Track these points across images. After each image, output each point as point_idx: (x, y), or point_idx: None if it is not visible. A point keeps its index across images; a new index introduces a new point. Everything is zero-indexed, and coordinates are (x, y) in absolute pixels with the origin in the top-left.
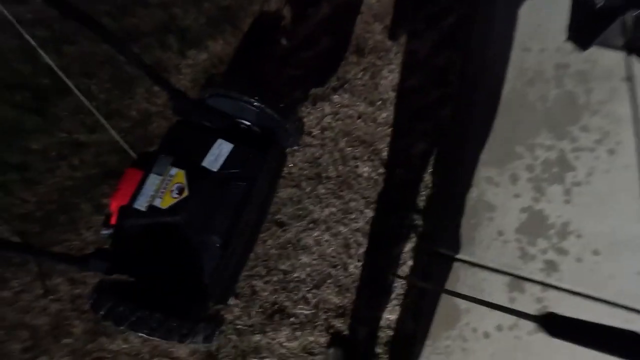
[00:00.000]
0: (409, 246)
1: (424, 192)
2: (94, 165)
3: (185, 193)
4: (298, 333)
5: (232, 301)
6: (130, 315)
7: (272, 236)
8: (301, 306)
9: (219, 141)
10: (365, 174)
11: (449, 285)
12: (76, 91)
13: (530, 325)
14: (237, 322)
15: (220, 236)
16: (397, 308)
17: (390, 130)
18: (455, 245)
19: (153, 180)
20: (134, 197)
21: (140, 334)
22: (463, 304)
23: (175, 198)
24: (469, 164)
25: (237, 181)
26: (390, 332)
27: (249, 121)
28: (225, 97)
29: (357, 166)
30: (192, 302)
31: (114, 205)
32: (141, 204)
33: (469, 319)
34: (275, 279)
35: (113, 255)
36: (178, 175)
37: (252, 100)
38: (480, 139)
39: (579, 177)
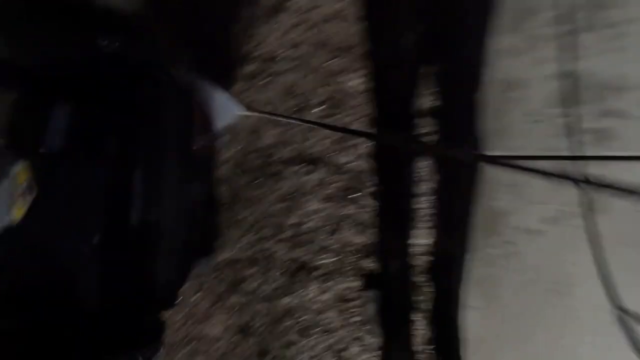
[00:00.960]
0: (424, 159)
1: (429, 90)
2: None
3: (34, 192)
4: (328, 284)
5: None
6: None
7: (268, 191)
8: (323, 256)
9: (55, 110)
10: (355, 88)
11: (479, 192)
12: None
13: (575, 212)
14: (261, 289)
15: (87, 240)
16: (426, 231)
17: (367, 24)
18: (479, 142)
19: (3, 188)
20: None
21: None
22: (500, 205)
23: (26, 202)
24: (475, 38)
25: (92, 159)
26: (425, 258)
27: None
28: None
29: (343, 81)
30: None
31: None
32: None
33: (509, 220)
34: (287, 235)
35: None
36: (22, 173)
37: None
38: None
39: (616, 16)
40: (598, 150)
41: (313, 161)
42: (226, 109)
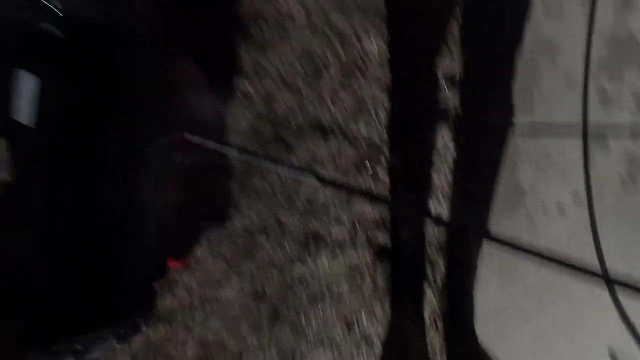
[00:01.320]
0: (445, 128)
1: (455, 50)
2: None
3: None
4: (339, 254)
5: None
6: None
7: (282, 160)
8: (335, 226)
9: (19, 77)
10: (375, 50)
11: (505, 162)
12: None
13: (615, 184)
14: (273, 257)
15: (49, 224)
16: (444, 201)
17: None
18: (507, 107)
19: None
20: None
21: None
22: (527, 178)
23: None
24: None
25: (69, 135)
26: (441, 230)
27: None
28: None
29: (360, 41)
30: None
31: None
32: None
33: (536, 196)
34: (299, 204)
35: None
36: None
37: None
38: None
39: None
40: (636, 123)
41: (327, 130)
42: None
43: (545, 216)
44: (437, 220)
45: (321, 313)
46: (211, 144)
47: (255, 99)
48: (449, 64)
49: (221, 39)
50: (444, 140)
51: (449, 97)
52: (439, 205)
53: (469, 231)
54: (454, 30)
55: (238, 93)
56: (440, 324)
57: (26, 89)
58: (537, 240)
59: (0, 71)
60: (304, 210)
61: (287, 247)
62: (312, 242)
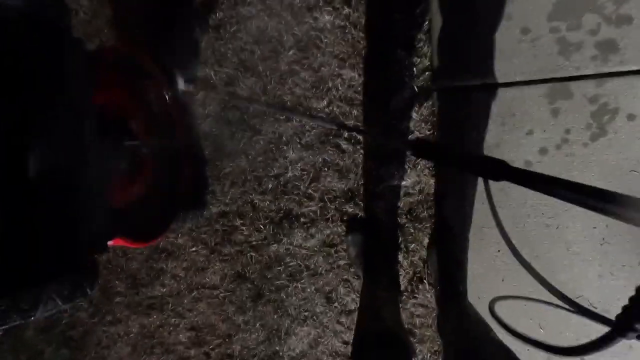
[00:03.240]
0: (408, 95)
1: (419, 21)
2: None
3: None
4: (312, 230)
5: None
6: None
7: (249, 143)
8: (306, 204)
9: None
10: (329, 25)
11: (468, 122)
12: None
13: (586, 133)
14: (250, 239)
15: None
16: (410, 172)
17: None
18: (466, 72)
19: None
20: None
21: (43, 315)
22: (492, 137)
23: None
24: None
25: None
26: (410, 199)
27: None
28: None
29: (315, 19)
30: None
31: None
32: None
33: (501, 153)
34: (270, 186)
35: None
36: None
37: None
38: None
39: None
40: (598, 67)
41: (290, 108)
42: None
43: None
44: (408, 192)
45: (301, 290)
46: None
47: (219, 85)
48: (411, 29)
49: (176, 30)
50: (405, 111)
51: (411, 63)
52: (407, 179)
53: (440, 199)
54: None
55: (200, 80)
56: (421, 291)
57: None
58: (507, 201)
59: None
60: (275, 191)
61: (263, 229)
62: (286, 221)
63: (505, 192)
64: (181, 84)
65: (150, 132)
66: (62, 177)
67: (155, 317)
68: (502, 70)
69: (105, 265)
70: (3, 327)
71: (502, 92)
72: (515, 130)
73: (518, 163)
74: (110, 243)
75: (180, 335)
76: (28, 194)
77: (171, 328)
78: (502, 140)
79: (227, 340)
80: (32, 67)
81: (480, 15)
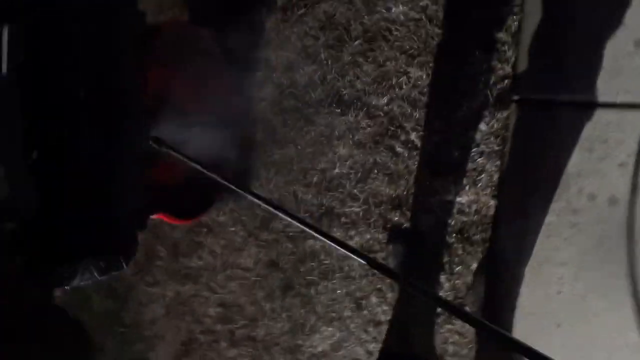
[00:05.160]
0: (479, 103)
1: (508, 22)
2: None
3: None
4: (352, 232)
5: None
6: (51, 275)
7: (299, 134)
8: (350, 204)
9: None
10: (402, 17)
11: (550, 142)
12: None
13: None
14: (287, 230)
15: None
16: (470, 189)
17: None
18: (557, 85)
19: None
20: None
21: (77, 284)
22: (574, 164)
23: None
24: None
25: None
26: (464, 218)
27: None
28: None
29: (387, 8)
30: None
31: None
32: None
33: (582, 184)
34: (315, 180)
35: None
36: None
37: None
38: None
39: None
40: None
41: (347, 102)
42: None
43: (592, 207)
44: (462, 210)
45: (332, 290)
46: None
47: (278, 69)
48: (498, 28)
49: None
50: (474, 120)
51: (492, 67)
52: (465, 196)
53: (496, 221)
54: None
55: (260, 63)
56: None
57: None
58: (578, 234)
59: None
60: (320, 185)
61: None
62: (326, 218)
63: (579, 228)
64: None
65: (197, 111)
66: (101, 153)
67: (189, 286)
68: (602, 87)
69: (151, 230)
70: (45, 291)
71: (596, 113)
72: (605, 159)
73: (601, 198)
74: (153, 217)
75: (210, 309)
76: (68, 169)
77: (202, 300)
78: (586, 168)
79: (252, 323)
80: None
81: (583, 19)
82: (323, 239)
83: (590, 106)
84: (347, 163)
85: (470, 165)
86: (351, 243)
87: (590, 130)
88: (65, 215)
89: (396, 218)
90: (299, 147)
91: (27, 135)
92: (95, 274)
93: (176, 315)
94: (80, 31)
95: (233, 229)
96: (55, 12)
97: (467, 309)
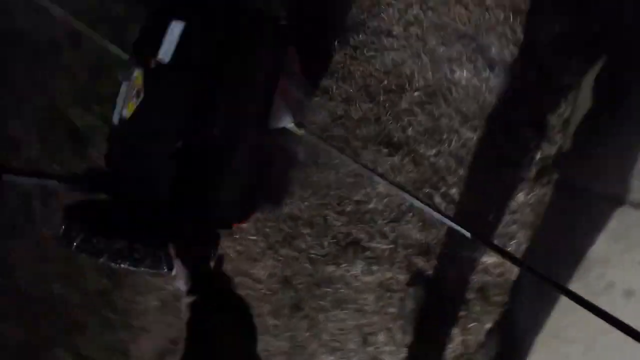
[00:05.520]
0: (521, 175)
1: (561, 108)
2: None
3: (141, 96)
4: (374, 268)
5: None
6: (108, 249)
7: (344, 162)
8: (378, 240)
9: (172, 23)
10: (464, 81)
11: (579, 226)
12: None
13: None
14: (310, 251)
15: (169, 143)
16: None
17: (504, 14)
18: (596, 175)
19: (122, 89)
20: (113, 111)
21: (122, 267)
22: (599, 250)
23: (134, 104)
24: None
25: (194, 72)
26: (487, 277)
27: None
28: None
29: (452, 71)
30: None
31: None
32: (115, 118)
33: (604, 271)
34: (348, 209)
35: (97, 173)
36: (138, 77)
37: None
38: None
39: None
40: None
41: (396, 145)
42: (281, 115)
43: (609, 295)
44: (486, 270)
45: (341, 320)
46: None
47: (335, 99)
48: (551, 114)
49: (321, 37)
50: (516, 188)
51: (537, 146)
52: (492, 258)
53: (516, 288)
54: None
55: (320, 89)
56: None
57: (173, 34)
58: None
59: (157, 18)
60: (352, 216)
61: (326, 246)
62: (351, 247)
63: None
64: (288, 121)
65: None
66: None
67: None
68: (636, 188)
69: None
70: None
71: (627, 210)
72: (627, 253)
73: (618, 287)
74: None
75: None
76: (203, 165)
77: None
78: (610, 258)
79: None
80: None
81: (630, 122)
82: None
83: (620, 202)
84: (384, 201)
85: (502, 230)
86: (370, 278)
87: (617, 223)
88: (183, 205)
89: (421, 264)
90: (339, 174)
91: (181, 123)
92: (165, 265)
93: (171, 310)
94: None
95: (254, 237)
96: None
97: None
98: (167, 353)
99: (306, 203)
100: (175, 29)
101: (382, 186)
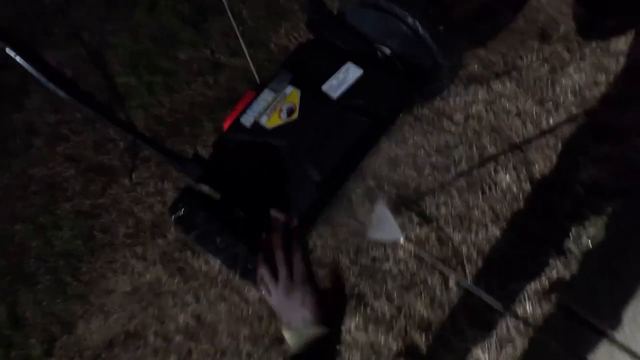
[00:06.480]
0: (533, 287)
1: (580, 238)
2: (225, 88)
3: (295, 116)
4: (370, 327)
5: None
6: (201, 226)
7: (369, 214)
8: (383, 301)
9: (347, 65)
10: (504, 184)
11: (569, 349)
12: (229, 12)
13: None
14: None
15: (321, 172)
16: (495, 349)
17: (554, 141)
18: (595, 308)
19: (265, 96)
20: (243, 111)
21: (203, 249)
22: None
23: (282, 120)
24: None
25: (358, 115)
26: None
27: (390, 48)
28: (371, 7)
29: (496, 171)
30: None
31: (226, 125)
32: (247, 119)
33: None
34: (363, 262)
35: (209, 164)
36: (292, 95)
37: (406, 13)
38: None
39: None
40: None
41: (426, 217)
42: (388, 227)
43: None
44: None
45: None
46: None
47: (379, 155)
48: (572, 240)
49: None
50: (521, 296)
51: (552, 266)
52: (487, 354)
53: None
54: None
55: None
56: None
57: (347, 77)
58: None
59: (340, 59)
60: (365, 269)
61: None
62: (355, 300)
63: None
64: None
65: None
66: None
67: (175, 281)
68: (628, 332)
69: None
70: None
71: (614, 350)
72: None
73: None
74: None
75: (182, 315)
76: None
77: (180, 302)
78: None
79: (218, 354)
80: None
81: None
82: None
83: (612, 340)
84: (400, 266)
85: (504, 333)
86: (363, 336)
87: (605, 358)
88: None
89: (418, 337)
90: (364, 226)
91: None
92: (239, 263)
93: (140, 300)
94: None
95: None
96: None
97: None
98: (117, 344)
99: (323, 242)
100: (352, 71)
101: (403, 252)
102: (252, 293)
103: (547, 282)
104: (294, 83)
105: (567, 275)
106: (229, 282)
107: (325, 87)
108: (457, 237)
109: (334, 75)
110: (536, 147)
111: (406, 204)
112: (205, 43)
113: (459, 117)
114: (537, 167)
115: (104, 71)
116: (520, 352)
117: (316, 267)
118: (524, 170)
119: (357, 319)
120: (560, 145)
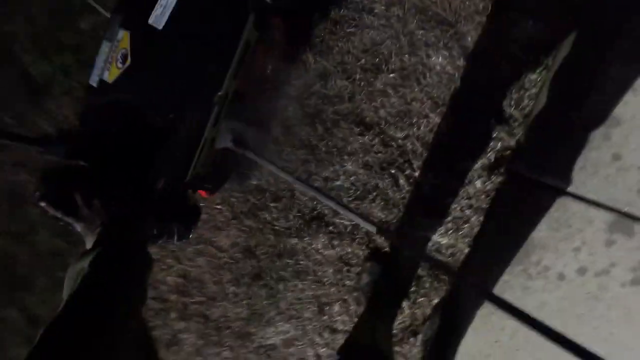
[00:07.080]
0: (480, 163)
1: (524, 102)
2: None
3: (128, 61)
4: (335, 242)
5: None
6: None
7: (315, 138)
8: (342, 216)
9: None
10: (438, 67)
11: (526, 213)
12: None
13: (628, 275)
14: (275, 223)
15: (163, 114)
16: (451, 233)
17: (483, 4)
18: (544, 168)
19: (103, 49)
20: (91, 72)
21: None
22: (539, 237)
23: (119, 68)
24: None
25: (189, 41)
26: (438, 257)
27: None
28: None
29: (428, 55)
30: (142, 190)
31: None
32: (94, 79)
33: (542, 256)
34: (316, 184)
35: (73, 137)
36: (124, 39)
37: None
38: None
39: None
40: None
41: (367, 125)
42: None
43: (543, 277)
44: (438, 250)
45: (300, 290)
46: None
47: (311, 72)
48: (515, 107)
49: (302, 8)
50: (472, 176)
51: (497, 137)
52: (445, 238)
53: (463, 268)
54: (534, 76)
55: (298, 61)
56: (410, 344)
57: (168, 1)
58: (524, 300)
59: None
60: (318, 191)
61: (291, 219)
62: (315, 222)
63: (529, 291)
64: (227, 141)
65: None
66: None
67: (154, 251)
68: (578, 182)
69: None
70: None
71: (568, 201)
72: (564, 241)
73: (553, 271)
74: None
75: (169, 278)
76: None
77: (164, 266)
78: (548, 244)
79: (210, 301)
80: None
81: (581, 122)
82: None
83: (564, 194)
84: (351, 179)
85: (458, 214)
86: (331, 252)
87: (560, 213)
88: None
89: (380, 240)
90: (311, 149)
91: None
92: (175, 238)
93: None
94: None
95: (219, 207)
96: None
97: (420, 337)
98: None
99: (275, 176)
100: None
101: (350, 165)
102: (226, 240)
103: (493, 154)
104: (124, 25)
105: (512, 142)
106: (201, 239)
107: (152, 20)
108: (399, 135)
109: (158, 3)
110: (465, 17)
111: (345, 117)
112: (104, 3)
113: (380, 8)
114: (469, 38)
115: (16, 67)
116: (477, 228)
117: None
118: (457, 47)
119: (321, 239)
120: (490, 7)
